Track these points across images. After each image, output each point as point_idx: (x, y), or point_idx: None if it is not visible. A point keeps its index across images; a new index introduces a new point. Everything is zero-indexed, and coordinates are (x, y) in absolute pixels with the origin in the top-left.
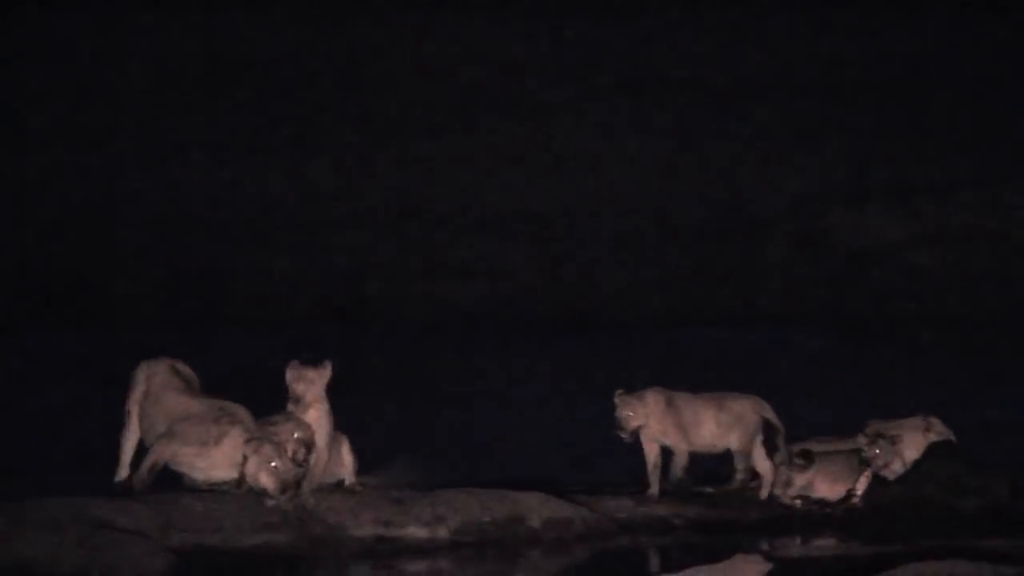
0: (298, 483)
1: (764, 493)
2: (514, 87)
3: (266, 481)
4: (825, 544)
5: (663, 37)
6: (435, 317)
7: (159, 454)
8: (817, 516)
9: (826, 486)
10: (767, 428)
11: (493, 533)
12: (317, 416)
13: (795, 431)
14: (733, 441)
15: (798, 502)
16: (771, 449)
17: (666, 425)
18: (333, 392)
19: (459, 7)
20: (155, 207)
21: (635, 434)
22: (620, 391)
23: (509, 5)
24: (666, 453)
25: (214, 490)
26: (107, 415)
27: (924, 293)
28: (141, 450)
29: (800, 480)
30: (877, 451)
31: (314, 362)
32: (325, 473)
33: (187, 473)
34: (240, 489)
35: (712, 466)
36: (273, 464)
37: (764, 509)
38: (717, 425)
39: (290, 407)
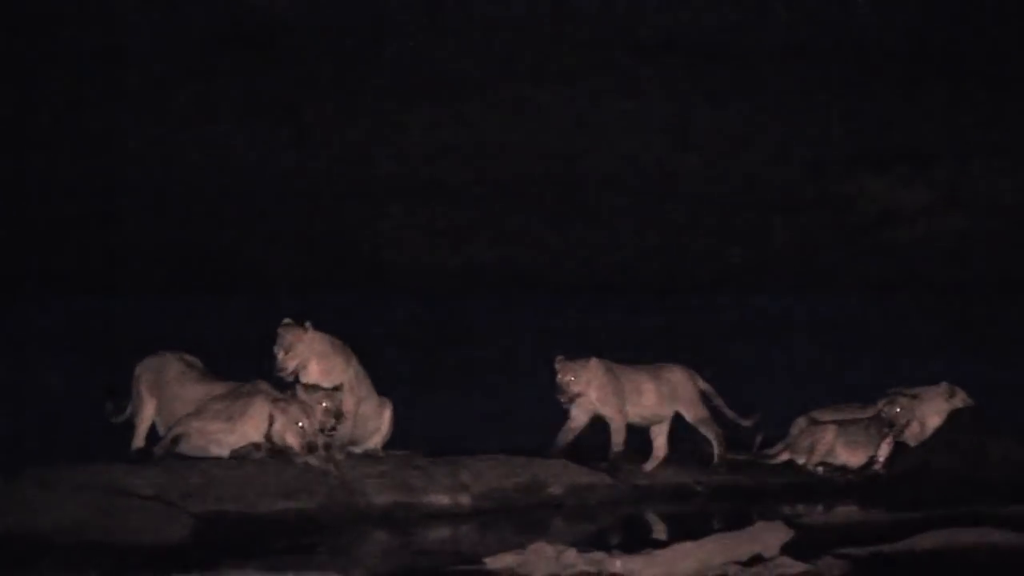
0: (327, 446)
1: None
2: (533, 53)
3: (292, 440)
4: (847, 511)
5: (686, 2)
6: (463, 283)
7: (186, 426)
8: (839, 483)
9: (847, 453)
10: (704, 397)
11: (515, 500)
12: (319, 371)
13: (818, 397)
14: (687, 413)
15: (820, 469)
16: (717, 416)
17: (606, 393)
18: (365, 360)
19: None
20: (171, 174)
21: (573, 400)
22: (561, 357)
23: None
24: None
25: (235, 457)
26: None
27: (947, 258)
28: (153, 437)
29: (822, 447)
30: (898, 409)
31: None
32: (354, 434)
33: (212, 450)
34: (260, 452)
35: (738, 434)
36: (300, 424)
37: (786, 476)
38: (657, 395)
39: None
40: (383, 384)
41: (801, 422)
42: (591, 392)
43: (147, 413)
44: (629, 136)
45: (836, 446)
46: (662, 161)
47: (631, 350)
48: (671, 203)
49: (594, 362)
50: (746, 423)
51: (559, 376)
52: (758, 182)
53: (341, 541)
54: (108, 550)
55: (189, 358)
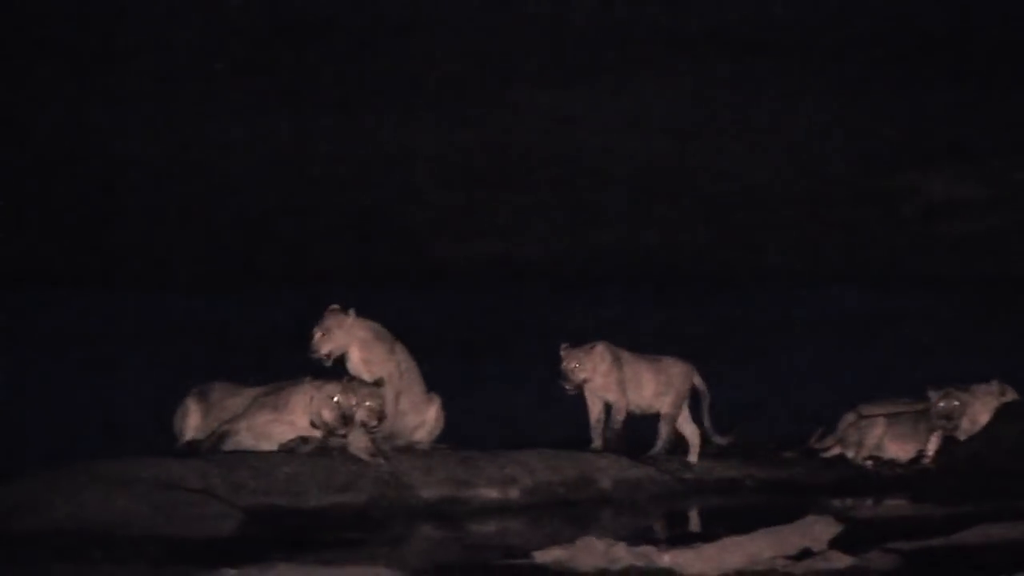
0: (373, 439)
1: (693, 458)
2: (585, 47)
3: (327, 415)
4: (896, 505)
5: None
6: (507, 275)
7: (234, 424)
8: (888, 477)
9: (896, 446)
10: (694, 394)
11: (564, 494)
12: (359, 359)
13: (865, 392)
14: (664, 405)
15: (869, 463)
16: (697, 415)
17: (609, 381)
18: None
19: None
20: (217, 163)
21: (579, 387)
22: (566, 344)
23: None
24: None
25: (284, 450)
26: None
27: (996, 253)
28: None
29: (871, 441)
30: (956, 403)
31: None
32: (393, 426)
33: (261, 445)
34: (309, 445)
35: (790, 430)
36: (335, 399)
37: (835, 470)
38: (656, 386)
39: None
40: (430, 377)
41: (849, 416)
42: (597, 379)
43: (192, 420)
44: (673, 131)
45: (884, 440)
46: (706, 155)
47: (677, 344)
48: (716, 197)
49: (600, 348)
50: (720, 440)
51: (564, 363)
52: (805, 176)
53: (389, 535)
54: (157, 543)
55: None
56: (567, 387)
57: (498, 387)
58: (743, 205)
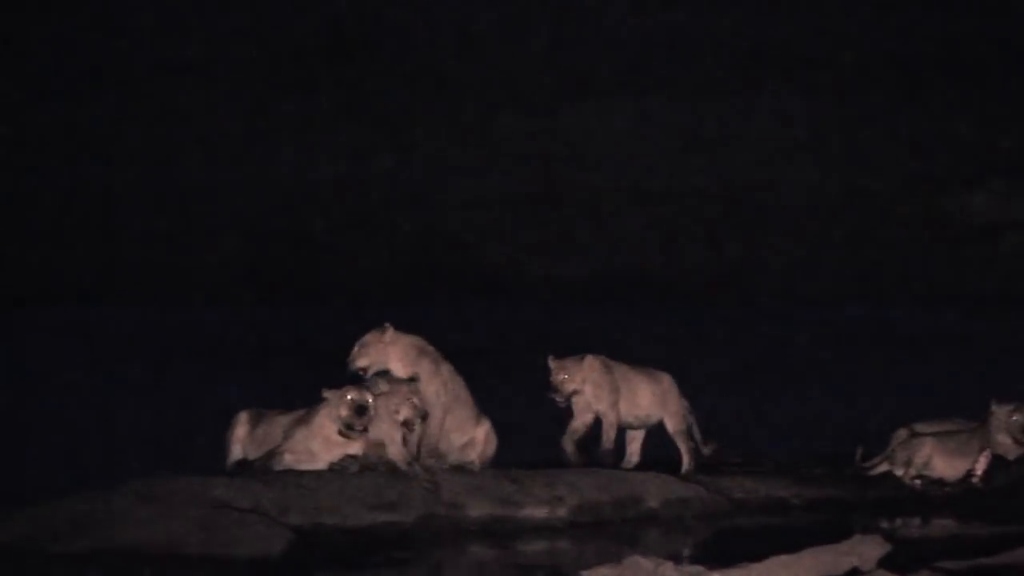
0: (416, 456)
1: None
2: (633, 65)
3: (343, 412)
4: (944, 524)
5: (784, 17)
6: (556, 292)
7: (279, 446)
8: (936, 496)
9: (945, 465)
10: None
11: (611, 513)
12: (403, 375)
13: (918, 410)
14: (671, 421)
15: (918, 482)
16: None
17: (601, 391)
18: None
19: None
20: (267, 181)
21: (568, 399)
22: (553, 356)
23: None
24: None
25: (332, 470)
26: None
27: None
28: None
29: (919, 459)
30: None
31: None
32: (441, 439)
33: (307, 465)
34: (356, 465)
35: (838, 448)
36: (349, 396)
37: (883, 489)
38: (652, 397)
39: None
40: (480, 393)
41: (901, 434)
42: (587, 390)
43: (240, 432)
44: (726, 148)
45: (933, 459)
46: (759, 173)
47: (727, 359)
48: (767, 215)
49: (589, 359)
50: (705, 450)
51: (553, 375)
52: (856, 195)
53: (437, 554)
54: (206, 563)
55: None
56: (557, 399)
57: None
58: (787, 225)
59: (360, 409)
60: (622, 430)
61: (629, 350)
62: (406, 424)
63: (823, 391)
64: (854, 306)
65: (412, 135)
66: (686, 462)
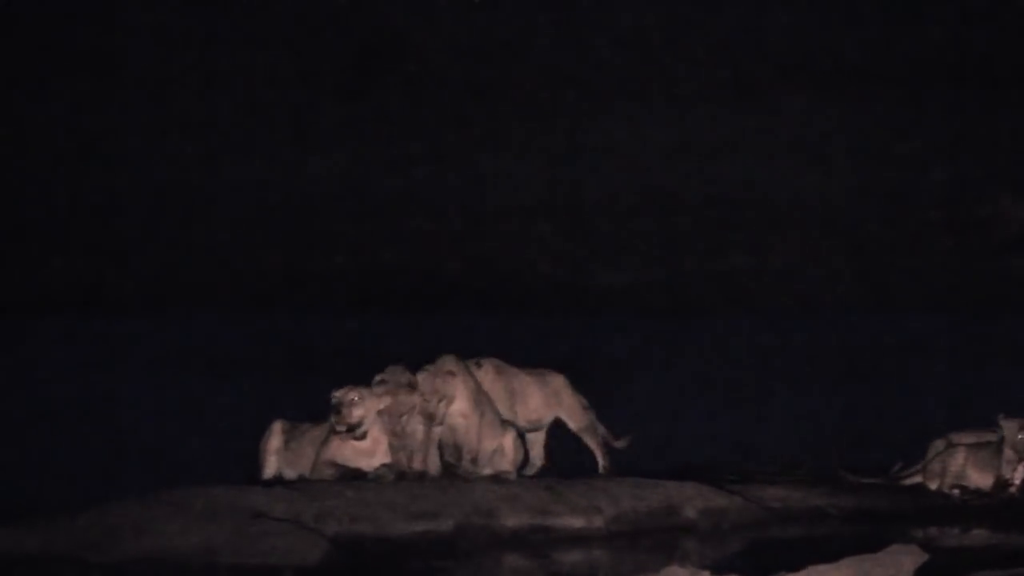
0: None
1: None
2: (669, 76)
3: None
4: (982, 534)
5: (821, 26)
6: (594, 303)
7: (315, 461)
8: (974, 506)
9: (978, 475)
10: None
11: (648, 523)
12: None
13: (956, 419)
14: (570, 421)
15: (956, 491)
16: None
17: (496, 393)
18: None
19: None
20: (309, 193)
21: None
22: (449, 356)
23: None
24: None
25: (369, 479)
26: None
27: None
28: None
29: (953, 469)
30: None
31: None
32: (480, 449)
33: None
34: (392, 474)
35: (876, 457)
36: (354, 397)
37: (921, 499)
38: (543, 398)
39: None
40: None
41: (938, 444)
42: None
43: (274, 443)
44: (761, 158)
45: (967, 469)
46: (795, 182)
47: (760, 368)
48: (804, 224)
49: (485, 363)
50: (618, 444)
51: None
52: (893, 203)
53: (475, 564)
54: (242, 572)
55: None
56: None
57: None
58: (819, 232)
59: (335, 407)
60: (520, 435)
61: (660, 362)
62: (430, 415)
63: (858, 400)
64: (887, 314)
65: (448, 145)
66: (600, 457)
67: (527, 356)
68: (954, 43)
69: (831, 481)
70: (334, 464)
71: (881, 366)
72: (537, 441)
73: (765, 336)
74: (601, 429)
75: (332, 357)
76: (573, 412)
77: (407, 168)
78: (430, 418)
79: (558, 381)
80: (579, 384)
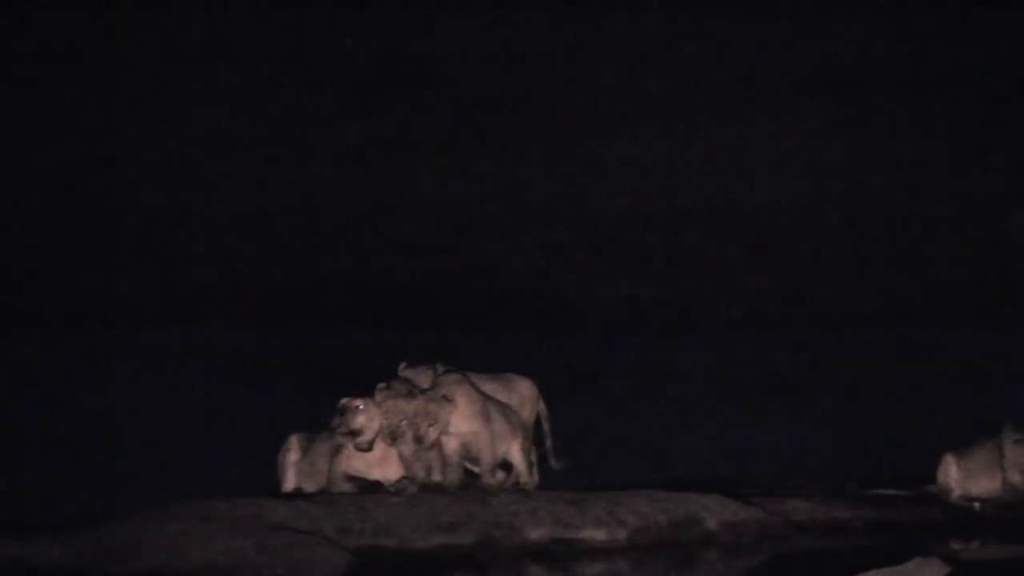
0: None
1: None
2: (684, 88)
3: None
4: (1005, 547)
5: (837, 35)
6: (611, 317)
7: (334, 465)
8: (997, 518)
9: (986, 482)
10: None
11: (670, 535)
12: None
13: (976, 432)
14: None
15: (977, 504)
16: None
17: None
18: None
19: (635, 7)
20: (329, 208)
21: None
22: (404, 363)
23: (686, 5)
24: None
25: (390, 491)
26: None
27: None
28: None
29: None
30: None
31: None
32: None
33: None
34: (415, 486)
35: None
36: (358, 405)
37: (944, 511)
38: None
39: None
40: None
41: (948, 457)
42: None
43: (292, 456)
44: (788, 171)
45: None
46: (822, 195)
47: (784, 381)
48: (829, 236)
49: (442, 370)
50: (555, 464)
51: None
52: (920, 216)
53: None
54: None
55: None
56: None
57: (603, 427)
58: (842, 245)
59: (338, 413)
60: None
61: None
62: (391, 434)
63: (880, 413)
64: (912, 327)
65: (471, 159)
66: (524, 474)
67: (548, 367)
68: (977, 54)
69: (853, 494)
70: (349, 477)
71: (904, 378)
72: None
73: (786, 351)
74: (548, 443)
75: (341, 368)
76: (528, 422)
77: (410, 178)
78: (419, 441)
79: (525, 388)
80: (594, 396)
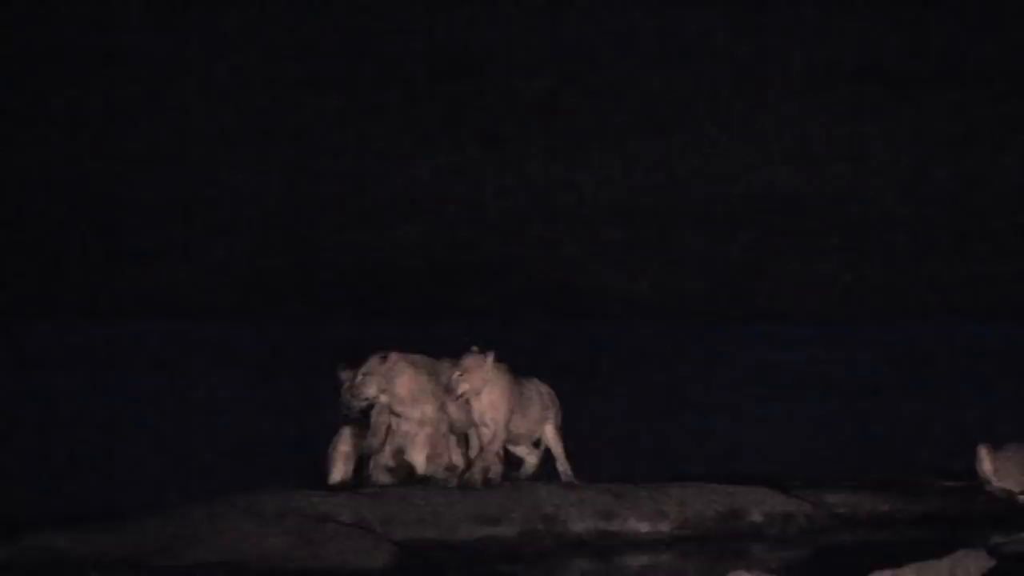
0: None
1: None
2: (726, 85)
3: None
4: None
5: (903, 30)
6: (653, 309)
7: (370, 466)
8: None
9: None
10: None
11: (715, 527)
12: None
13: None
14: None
15: (1022, 497)
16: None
17: (502, 400)
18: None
19: (679, 3)
20: (367, 201)
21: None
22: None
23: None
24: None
25: (434, 483)
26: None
27: None
28: None
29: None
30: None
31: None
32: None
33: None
34: (456, 478)
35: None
36: (363, 374)
37: (988, 503)
38: (541, 408)
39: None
40: (573, 410)
41: (982, 450)
42: (485, 395)
43: (343, 452)
44: (828, 164)
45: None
46: (857, 188)
47: (831, 374)
48: (865, 230)
49: (493, 359)
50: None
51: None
52: (953, 211)
53: (541, 569)
54: None
55: None
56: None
57: (647, 421)
58: (887, 240)
59: (345, 389)
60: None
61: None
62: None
63: (930, 405)
64: (966, 321)
65: (508, 156)
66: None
67: (585, 358)
68: (1017, 49)
69: (897, 486)
70: (389, 469)
71: (954, 372)
72: (532, 453)
73: (837, 342)
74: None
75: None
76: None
77: (405, 171)
78: (448, 391)
79: (545, 391)
80: (639, 388)
